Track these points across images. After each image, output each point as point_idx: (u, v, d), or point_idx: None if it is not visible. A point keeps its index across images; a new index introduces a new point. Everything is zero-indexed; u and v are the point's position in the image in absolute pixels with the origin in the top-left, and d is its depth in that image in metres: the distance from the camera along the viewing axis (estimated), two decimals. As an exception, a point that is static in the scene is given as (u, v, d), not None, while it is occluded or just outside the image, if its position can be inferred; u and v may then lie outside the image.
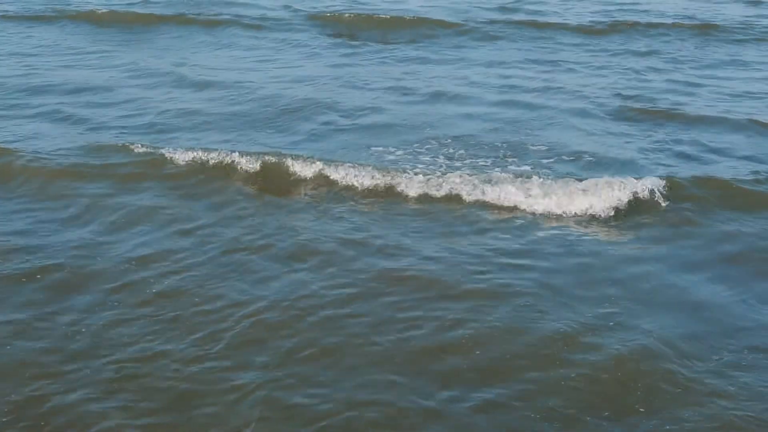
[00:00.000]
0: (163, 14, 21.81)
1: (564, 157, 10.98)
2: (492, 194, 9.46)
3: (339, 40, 19.18)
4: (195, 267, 7.88)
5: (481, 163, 10.69)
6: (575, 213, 9.21)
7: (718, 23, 20.51)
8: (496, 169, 10.42)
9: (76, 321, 6.92)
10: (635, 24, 20.46)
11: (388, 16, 20.94)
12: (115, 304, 7.21)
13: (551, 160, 10.86)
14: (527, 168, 10.49)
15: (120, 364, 6.33)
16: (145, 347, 6.56)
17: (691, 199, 9.51)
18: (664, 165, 10.81)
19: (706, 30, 19.85)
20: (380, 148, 11.33)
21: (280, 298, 7.30)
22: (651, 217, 9.17)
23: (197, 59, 17.32)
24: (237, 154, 10.60)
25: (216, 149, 10.87)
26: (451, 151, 11.23)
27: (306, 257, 8.09)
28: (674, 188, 9.64)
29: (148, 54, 17.81)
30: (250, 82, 15.09)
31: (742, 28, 20.17)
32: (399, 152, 11.14)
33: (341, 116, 12.91)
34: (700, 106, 13.73)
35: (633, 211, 9.25)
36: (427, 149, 11.27)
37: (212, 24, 20.93)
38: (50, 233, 8.63)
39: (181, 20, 21.26)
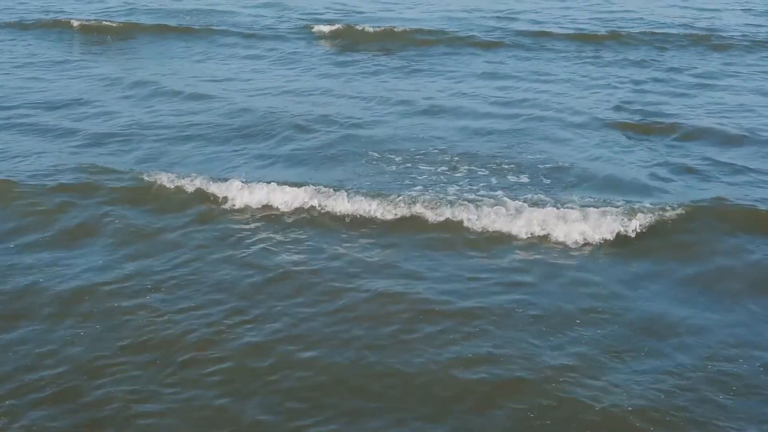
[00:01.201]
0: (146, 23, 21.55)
1: (561, 176, 10.52)
2: (486, 220, 8.98)
3: (330, 51, 18.73)
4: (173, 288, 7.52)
5: (480, 183, 10.19)
6: (563, 240, 8.70)
7: (719, 33, 20.01)
8: (494, 182, 10.09)
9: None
10: (631, 33, 19.98)
11: (383, 28, 20.41)
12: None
13: (548, 181, 10.36)
14: (522, 187, 10.09)
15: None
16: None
17: (687, 226, 8.98)
18: (662, 182, 10.40)
19: (704, 39, 19.34)
20: (375, 167, 10.88)
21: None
22: (643, 244, 8.66)
23: (195, 71, 16.94)
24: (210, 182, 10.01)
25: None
26: (447, 168, 10.75)
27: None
28: (670, 213, 9.11)
29: (131, 65, 17.36)
30: (245, 94, 14.71)
31: (742, 37, 19.67)
32: (390, 174, 10.64)
33: (324, 130, 12.42)
34: (698, 117, 13.36)
35: (628, 238, 8.73)
36: (422, 169, 10.77)
37: (207, 33, 20.63)
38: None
39: (164, 29, 21.02)
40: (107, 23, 21.50)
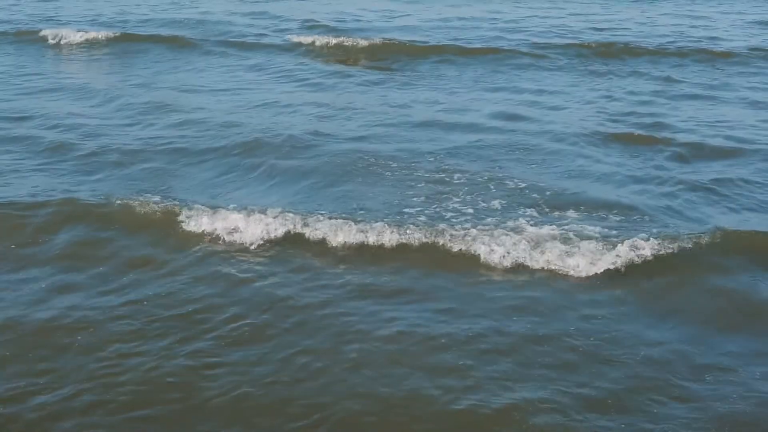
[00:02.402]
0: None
1: (562, 196, 10.07)
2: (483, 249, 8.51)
3: (320, 63, 18.35)
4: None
5: (478, 205, 9.73)
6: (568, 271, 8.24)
7: (718, 44, 19.73)
8: (491, 203, 9.60)
9: None
10: (629, 45, 19.65)
11: (375, 39, 20.01)
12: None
13: (547, 201, 9.91)
14: (518, 207, 9.63)
15: None
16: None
17: (700, 256, 8.47)
18: (667, 201, 10.01)
19: (703, 52, 19.06)
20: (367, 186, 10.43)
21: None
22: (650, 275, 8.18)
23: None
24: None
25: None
26: (443, 187, 10.31)
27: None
28: (669, 243, 8.58)
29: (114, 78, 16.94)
30: (229, 108, 14.34)
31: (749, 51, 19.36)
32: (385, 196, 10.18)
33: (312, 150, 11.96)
34: (701, 131, 13.03)
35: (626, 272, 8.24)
36: (417, 188, 10.34)
37: (193, 45, 20.28)
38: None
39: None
40: (85, 34, 21.07)
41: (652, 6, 26.97)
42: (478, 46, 19.75)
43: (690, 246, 8.47)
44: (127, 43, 20.51)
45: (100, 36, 20.99)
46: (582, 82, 16.77)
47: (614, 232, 8.82)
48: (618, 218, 9.29)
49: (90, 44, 20.63)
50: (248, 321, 7.21)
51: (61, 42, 20.65)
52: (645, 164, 11.46)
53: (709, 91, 15.90)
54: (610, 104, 14.76)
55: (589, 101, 15.11)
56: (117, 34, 21.06)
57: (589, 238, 8.63)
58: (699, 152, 11.97)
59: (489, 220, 9.13)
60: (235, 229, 8.93)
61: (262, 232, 8.86)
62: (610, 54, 18.99)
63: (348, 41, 19.96)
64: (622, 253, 8.25)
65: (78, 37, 20.86)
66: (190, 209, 9.27)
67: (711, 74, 17.37)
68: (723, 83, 16.57)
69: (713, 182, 10.67)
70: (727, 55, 18.82)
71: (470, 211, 9.43)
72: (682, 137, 12.60)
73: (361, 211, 9.42)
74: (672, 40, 20.74)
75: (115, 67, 18.51)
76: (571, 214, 9.40)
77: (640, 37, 21.09)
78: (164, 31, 21.70)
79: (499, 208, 9.56)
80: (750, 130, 13.19)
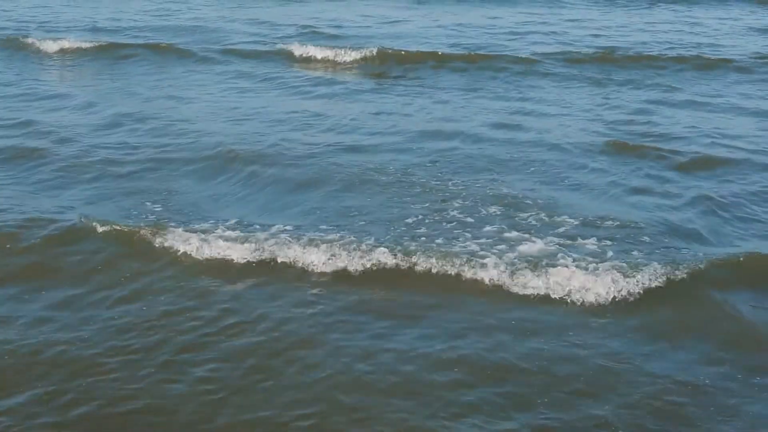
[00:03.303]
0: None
1: (564, 213, 9.62)
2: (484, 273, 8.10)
3: (310, 73, 17.95)
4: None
5: (476, 222, 9.29)
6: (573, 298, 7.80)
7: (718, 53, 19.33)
8: (488, 220, 9.18)
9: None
10: (628, 54, 19.25)
11: (368, 49, 19.56)
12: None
13: (547, 222, 9.45)
14: (518, 225, 9.22)
15: None
16: None
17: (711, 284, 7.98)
18: (671, 218, 9.56)
19: (702, 60, 18.62)
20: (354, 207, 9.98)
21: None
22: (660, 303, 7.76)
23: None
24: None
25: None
26: (440, 203, 9.87)
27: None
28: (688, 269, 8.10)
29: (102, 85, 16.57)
30: (216, 120, 13.92)
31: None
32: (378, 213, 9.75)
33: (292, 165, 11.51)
34: (703, 142, 12.66)
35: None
36: (411, 205, 9.93)
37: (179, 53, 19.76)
38: None
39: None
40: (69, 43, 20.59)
41: (650, 12, 26.57)
42: (475, 52, 19.35)
43: (697, 269, 8.04)
44: (107, 51, 20.03)
45: (81, 44, 20.49)
46: (580, 90, 16.37)
47: (616, 252, 8.41)
48: (619, 235, 8.88)
49: (65, 53, 20.14)
50: (227, 341, 6.94)
51: (41, 49, 20.20)
52: (646, 176, 11.08)
53: (710, 99, 15.52)
54: (608, 113, 14.39)
55: (587, 109, 14.72)
56: (96, 44, 20.53)
57: (591, 256, 8.26)
58: (700, 163, 11.56)
59: (485, 240, 8.70)
60: (221, 251, 8.51)
61: (250, 253, 8.44)
62: (608, 61, 18.56)
63: (341, 50, 19.46)
64: (626, 278, 7.84)
65: (55, 45, 20.41)
66: (165, 229, 8.84)
67: (710, 82, 16.98)
68: (723, 91, 16.18)
69: (716, 196, 10.29)
70: (728, 62, 18.41)
71: (468, 231, 8.98)
72: (683, 147, 12.21)
73: (356, 229, 9.01)
74: (670, 46, 20.32)
75: (91, 75, 18.09)
76: (570, 231, 8.99)
77: (638, 43, 20.67)
78: (155, 38, 21.28)
79: (497, 225, 9.15)
80: (752, 139, 12.81)
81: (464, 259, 8.18)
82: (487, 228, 9.06)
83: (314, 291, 7.84)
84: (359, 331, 7.11)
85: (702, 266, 8.06)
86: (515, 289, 7.84)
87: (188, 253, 8.49)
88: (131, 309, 7.47)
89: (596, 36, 21.80)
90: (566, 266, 8.00)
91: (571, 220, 9.27)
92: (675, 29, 23.19)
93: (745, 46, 20.50)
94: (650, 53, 19.29)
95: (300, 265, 8.25)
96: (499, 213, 9.51)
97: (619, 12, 27.18)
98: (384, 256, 8.25)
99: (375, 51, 19.20)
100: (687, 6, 28.04)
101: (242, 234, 8.71)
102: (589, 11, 27.32)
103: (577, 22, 24.71)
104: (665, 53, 19.30)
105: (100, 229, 8.90)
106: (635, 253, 8.39)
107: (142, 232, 8.84)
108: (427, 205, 9.77)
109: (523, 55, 18.94)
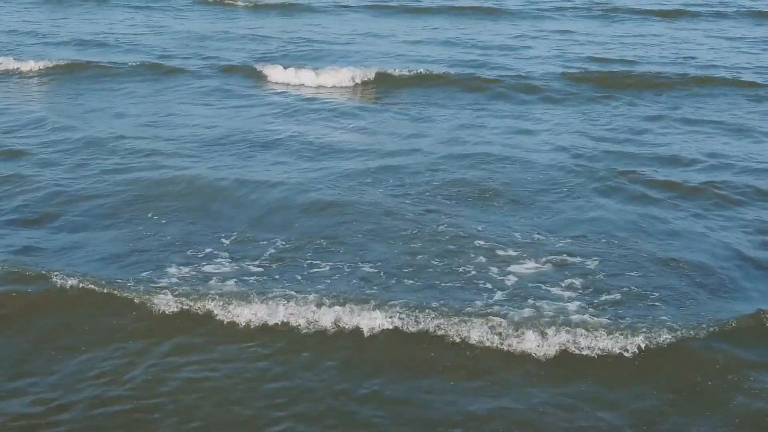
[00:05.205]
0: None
1: (561, 258, 8.82)
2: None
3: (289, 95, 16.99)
4: None
5: (465, 268, 8.47)
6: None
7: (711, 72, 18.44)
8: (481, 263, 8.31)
9: None
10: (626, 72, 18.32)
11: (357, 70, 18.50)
12: None
13: (540, 263, 8.67)
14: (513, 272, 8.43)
15: None
16: None
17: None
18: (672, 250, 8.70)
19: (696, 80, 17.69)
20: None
21: None
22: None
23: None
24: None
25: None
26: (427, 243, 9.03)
27: None
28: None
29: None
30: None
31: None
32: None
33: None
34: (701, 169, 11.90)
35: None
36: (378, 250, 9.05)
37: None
38: None
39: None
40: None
41: (651, 28, 25.65)
42: (464, 71, 18.46)
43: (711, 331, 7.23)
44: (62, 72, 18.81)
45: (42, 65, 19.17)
46: (578, 112, 15.57)
47: (622, 309, 7.60)
48: (624, 291, 8.02)
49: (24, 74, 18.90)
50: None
51: None
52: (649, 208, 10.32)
53: (711, 120, 14.78)
54: (606, 136, 13.67)
55: (584, 133, 13.96)
56: (55, 63, 19.26)
57: (596, 308, 7.54)
58: (708, 193, 10.80)
59: (478, 300, 7.85)
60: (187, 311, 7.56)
61: (214, 312, 7.52)
62: (608, 83, 17.57)
63: (327, 72, 18.43)
64: (633, 339, 7.03)
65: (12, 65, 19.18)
66: (113, 285, 7.92)
67: (713, 103, 16.16)
68: (725, 111, 15.39)
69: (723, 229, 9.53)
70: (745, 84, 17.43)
71: (459, 283, 8.15)
72: (689, 176, 11.48)
73: (327, 278, 8.13)
74: (671, 65, 19.45)
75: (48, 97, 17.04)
76: (568, 278, 8.25)
77: (639, 63, 19.75)
78: (128, 57, 20.22)
79: (493, 280, 8.33)
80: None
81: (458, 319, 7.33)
82: (475, 279, 8.25)
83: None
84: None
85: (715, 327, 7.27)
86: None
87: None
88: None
89: (597, 58, 20.59)
90: (555, 324, 7.16)
91: (566, 261, 8.55)
92: (675, 45, 22.35)
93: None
94: (650, 73, 18.31)
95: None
96: (485, 256, 8.71)
97: (618, 27, 26.27)
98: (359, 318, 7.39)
99: (358, 71, 18.22)
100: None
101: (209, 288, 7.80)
102: (589, 24, 26.38)
103: (568, 33, 23.94)
104: (667, 73, 18.31)
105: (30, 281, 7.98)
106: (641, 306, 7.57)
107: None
108: (407, 241, 8.94)
109: (512, 77, 18.01)
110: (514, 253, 8.78)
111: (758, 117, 15.06)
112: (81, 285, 7.87)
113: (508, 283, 8.17)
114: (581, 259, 8.73)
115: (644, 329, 7.12)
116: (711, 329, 7.20)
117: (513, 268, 8.48)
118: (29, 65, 19.13)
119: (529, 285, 8.13)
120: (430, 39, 23.48)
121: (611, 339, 7.00)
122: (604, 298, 7.86)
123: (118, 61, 19.42)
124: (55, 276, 7.99)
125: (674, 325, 7.20)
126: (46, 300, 7.75)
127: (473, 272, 8.38)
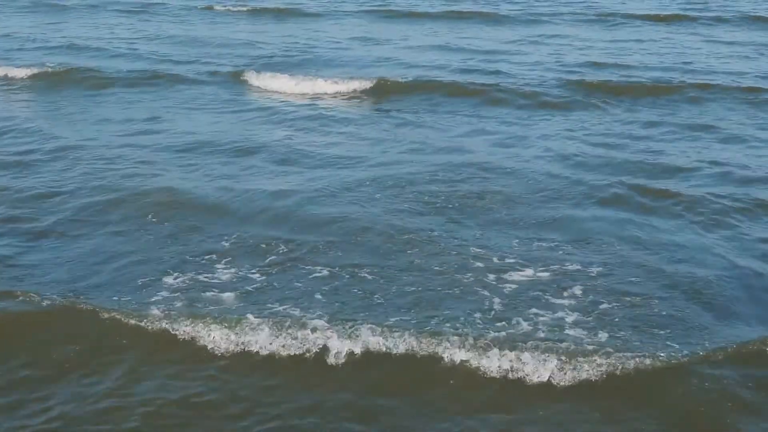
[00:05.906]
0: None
1: (555, 281, 8.60)
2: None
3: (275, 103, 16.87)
4: None
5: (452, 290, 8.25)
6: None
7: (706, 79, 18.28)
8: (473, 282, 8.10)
9: None
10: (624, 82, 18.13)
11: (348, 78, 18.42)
12: None
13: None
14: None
15: None
16: None
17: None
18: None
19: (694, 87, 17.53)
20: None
21: None
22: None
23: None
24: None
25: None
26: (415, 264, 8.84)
27: None
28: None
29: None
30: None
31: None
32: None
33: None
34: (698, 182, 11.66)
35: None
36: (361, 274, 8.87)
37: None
38: None
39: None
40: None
41: (649, 33, 25.49)
42: (463, 78, 18.34)
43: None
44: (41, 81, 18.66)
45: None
46: (577, 118, 15.39)
47: (619, 327, 7.44)
48: (621, 307, 7.87)
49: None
50: None
51: None
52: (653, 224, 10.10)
53: (710, 126, 14.60)
54: (605, 143, 13.51)
55: (582, 140, 13.79)
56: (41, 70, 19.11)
57: (591, 328, 7.32)
58: (708, 203, 10.61)
59: (476, 312, 7.70)
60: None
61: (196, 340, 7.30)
62: (607, 88, 17.39)
63: (326, 80, 18.28)
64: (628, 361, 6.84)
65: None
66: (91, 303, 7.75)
67: (712, 109, 15.99)
68: (724, 119, 15.23)
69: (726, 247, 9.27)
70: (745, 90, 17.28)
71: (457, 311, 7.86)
72: (689, 185, 11.32)
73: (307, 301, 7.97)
74: (670, 71, 19.25)
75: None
76: (565, 293, 8.06)
77: (638, 68, 19.59)
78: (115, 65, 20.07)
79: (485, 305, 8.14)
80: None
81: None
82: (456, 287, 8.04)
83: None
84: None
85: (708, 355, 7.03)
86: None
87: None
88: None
89: (597, 64, 20.40)
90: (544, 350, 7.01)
91: (560, 285, 8.28)
92: (675, 52, 22.20)
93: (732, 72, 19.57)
94: (648, 82, 18.09)
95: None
96: (472, 276, 8.49)
97: (615, 33, 26.16)
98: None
99: (348, 79, 18.11)
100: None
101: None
102: (588, 30, 26.22)
103: (566, 39, 23.80)
104: (667, 80, 18.07)
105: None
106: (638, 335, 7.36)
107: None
108: (391, 264, 8.72)
109: (508, 85, 17.89)
110: (511, 262, 8.67)
111: (759, 123, 14.90)
112: (60, 302, 7.71)
113: (506, 291, 8.06)
114: (580, 268, 8.61)
115: (640, 351, 6.95)
116: (714, 354, 7.00)
117: (510, 276, 8.36)
118: (18, 72, 19.03)
119: (526, 296, 7.99)
120: (428, 45, 23.33)
121: (606, 361, 6.81)
122: (600, 315, 7.69)
123: (108, 67, 19.30)
124: (24, 294, 7.82)
125: (674, 350, 7.02)
126: (21, 318, 7.57)
127: (470, 281, 8.24)
